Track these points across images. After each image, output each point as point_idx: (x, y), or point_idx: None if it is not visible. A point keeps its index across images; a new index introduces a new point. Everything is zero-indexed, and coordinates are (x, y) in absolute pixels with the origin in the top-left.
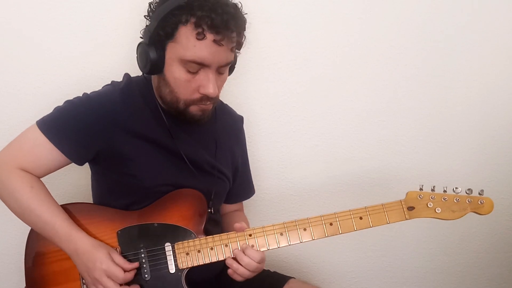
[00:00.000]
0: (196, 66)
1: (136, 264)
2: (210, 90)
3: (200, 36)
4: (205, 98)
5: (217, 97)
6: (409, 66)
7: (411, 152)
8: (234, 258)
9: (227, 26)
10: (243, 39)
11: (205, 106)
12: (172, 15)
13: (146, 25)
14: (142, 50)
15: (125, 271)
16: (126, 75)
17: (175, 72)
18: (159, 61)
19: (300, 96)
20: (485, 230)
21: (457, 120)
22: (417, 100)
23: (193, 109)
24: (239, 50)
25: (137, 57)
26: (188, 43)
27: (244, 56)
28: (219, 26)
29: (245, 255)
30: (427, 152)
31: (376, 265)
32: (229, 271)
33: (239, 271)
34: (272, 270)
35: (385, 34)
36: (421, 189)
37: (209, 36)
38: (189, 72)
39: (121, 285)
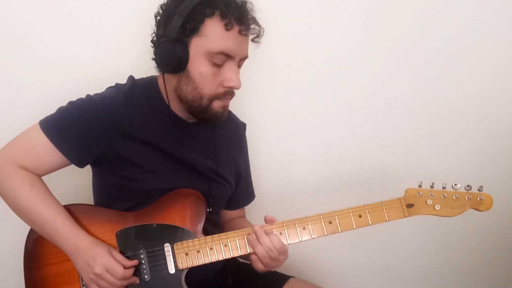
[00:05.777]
0: (223, 58)
1: (135, 262)
2: (235, 82)
3: (229, 26)
4: (229, 92)
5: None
6: (409, 67)
7: (411, 152)
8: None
9: (249, 17)
10: (261, 31)
11: (227, 101)
12: (196, 10)
13: (163, 23)
14: (166, 48)
15: (124, 268)
16: (131, 78)
17: (200, 67)
18: (184, 58)
19: (300, 96)
20: (484, 230)
21: (457, 120)
22: (417, 100)
23: (216, 104)
24: (258, 42)
25: (157, 56)
26: (215, 35)
27: None
28: (242, 17)
29: (266, 235)
30: (427, 152)
31: (376, 265)
32: (250, 249)
33: (257, 249)
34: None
35: (386, 35)
36: (420, 186)
37: (236, 27)
38: (214, 65)
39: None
